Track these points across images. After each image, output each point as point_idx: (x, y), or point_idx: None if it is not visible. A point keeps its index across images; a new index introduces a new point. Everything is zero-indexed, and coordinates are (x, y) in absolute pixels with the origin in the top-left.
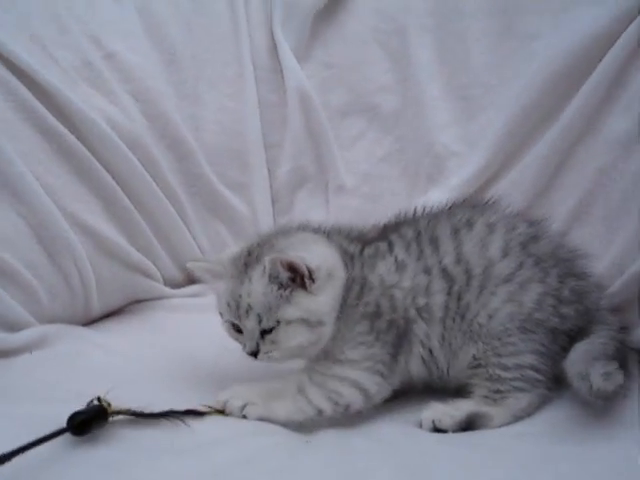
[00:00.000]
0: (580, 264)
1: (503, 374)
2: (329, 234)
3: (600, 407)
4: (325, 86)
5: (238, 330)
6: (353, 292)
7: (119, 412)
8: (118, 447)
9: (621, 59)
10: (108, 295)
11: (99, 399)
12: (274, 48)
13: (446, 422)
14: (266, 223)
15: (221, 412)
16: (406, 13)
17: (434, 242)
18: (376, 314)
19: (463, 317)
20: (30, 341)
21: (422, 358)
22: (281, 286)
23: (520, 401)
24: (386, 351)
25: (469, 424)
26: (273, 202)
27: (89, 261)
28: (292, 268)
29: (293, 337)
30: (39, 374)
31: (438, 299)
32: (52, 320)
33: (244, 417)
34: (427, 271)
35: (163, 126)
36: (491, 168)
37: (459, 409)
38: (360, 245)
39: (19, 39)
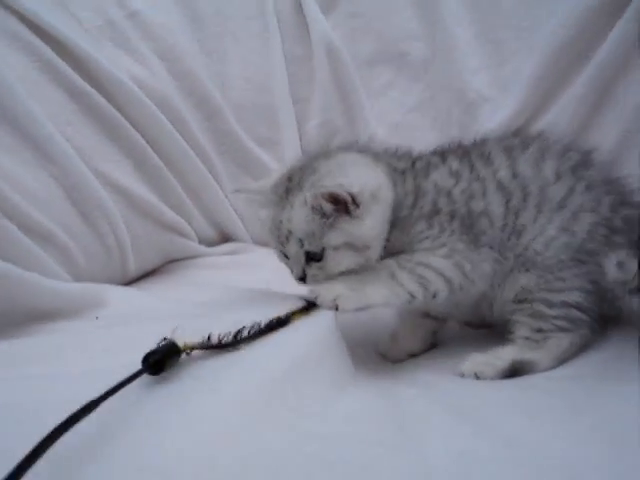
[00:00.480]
0: (631, 192)
1: (548, 311)
2: (377, 154)
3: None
4: (351, 36)
5: (286, 255)
6: (407, 202)
7: (192, 347)
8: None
9: None
10: (144, 254)
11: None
12: (298, 0)
13: (489, 372)
14: None
15: (306, 311)
16: None
17: (485, 157)
18: (434, 211)
19: (520, 237)
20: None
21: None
22: (324, 215)
23: (562, 341)
24: (457, 238)
25: (513, 372)
26: None
27: (123, 220)
28: (334, 198)
29: (340, 262)
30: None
31: (496, 208)
32: (89, 280)
33: (336, 309)
34: (482, 181)
35: (190, 84)
36: (526, 112)
37: (501, 358)
38: (411, 161)
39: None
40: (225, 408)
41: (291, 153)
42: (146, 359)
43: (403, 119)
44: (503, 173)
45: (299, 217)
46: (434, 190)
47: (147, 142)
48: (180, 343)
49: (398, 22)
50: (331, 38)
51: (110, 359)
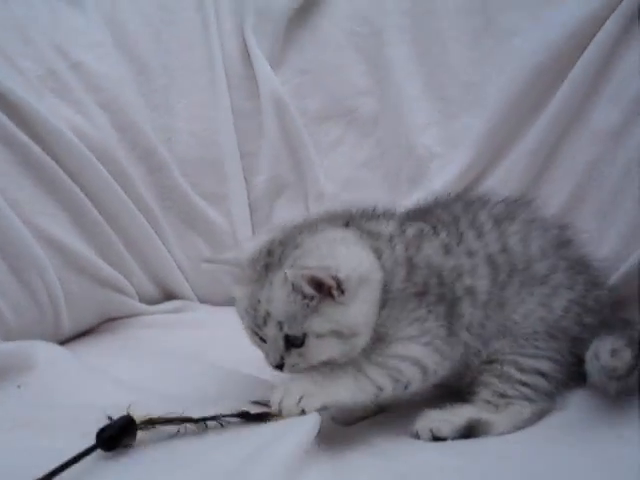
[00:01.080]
0: (600, 273)
1: (517, 375)
2: (357, 222)
3: (611, 398)
4: (301, 92)
5: (262, 338)
6: (398, 275)
7: (150, 422)
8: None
9: (604, 50)
10: (79, 312)
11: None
12: (247, 55)
13: (445, 429)
14: (244, 234)
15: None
16: (382, 14)
17: (476, 228)
18: (424, 291)
19: (502, 308)
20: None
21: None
22: (306, 297)
23: (524, 410)
24: (440, 324)
25: (469, 431)
26: (251, 212)
27: (57, 276)
28: (317, 282)
29: (324, 351)
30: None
31: (483, 283)
32: (19, 338)
33: (303, 412)
34: (471, 255)
35: (134, 137)
36: (476, 167)
37: (458, 415)
38: (396, 223)
39: None
40: None
41: (238, 208)
42: (100, 434)
43: (353, 175)
44: (493, 248)
45: (279, 297)
46: (426, 268)
47: (86, 195)
48: (139, 416)
49: (347, 78)
50: (280, 93)
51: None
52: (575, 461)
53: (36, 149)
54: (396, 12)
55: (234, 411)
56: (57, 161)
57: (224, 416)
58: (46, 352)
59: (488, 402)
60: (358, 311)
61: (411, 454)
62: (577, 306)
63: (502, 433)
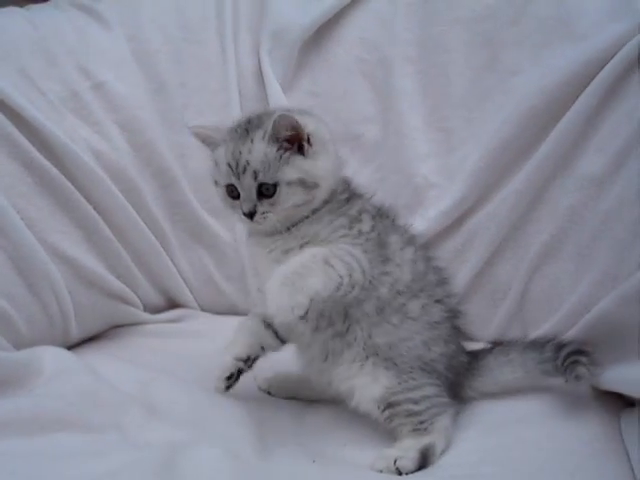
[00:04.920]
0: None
1: (416, 408)
2: None
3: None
4: None
5: (234, 197)
6: (340, 197)
7: None
8: None
9: (596, 99)
10: (87, 322)
11: None
12: (260, 76)
13: (408, 465)
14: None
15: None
16: (390, 44)
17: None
18: (357, 219)
19: (402, 321)
20: None
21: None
22: (280, 148)
23: (444, 421)
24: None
25: (424, 459)
26: None
27: (68, 290)
28: (294, 128)
29: (291, 197)
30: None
31: (385, 284)
32: (30, 346)
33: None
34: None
35: (148, 154)
36: (468, 201)
37: (409, 449)
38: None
39: (6, 73)
40: None
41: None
42: None
43: None
44: (411, 257)
45: (258, 149)
46: (360, 209)
47: (98, 213)
48: None
49: (354, 104)
50: None
51: None
52: None
53: (54, 171)
54: (404, 42)
55: None
56: (73, 182)
57: None
58: (54, 357)
59: (415, 430)
60: (321, 165)
61: None
62: (446, 360)
63: (443, 450)
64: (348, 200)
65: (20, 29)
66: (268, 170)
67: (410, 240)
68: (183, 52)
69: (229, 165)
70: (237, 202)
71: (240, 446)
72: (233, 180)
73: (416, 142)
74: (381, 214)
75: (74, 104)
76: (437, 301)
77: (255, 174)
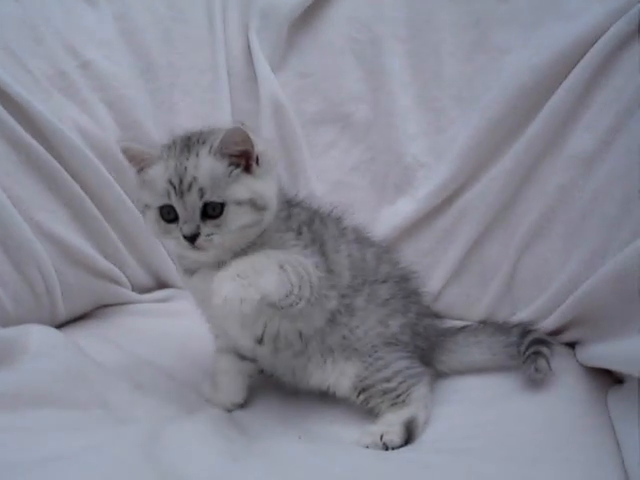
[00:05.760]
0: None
1: (390, 385)
2: None
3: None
4: (299, 95)
5: (169, 220)
6: (280, 214)
7: None
8: None
9: (586, 77)
10: (74, 301)
11: None
12: (249, 56)
13: (395, 439)
14: None
15: None
16: (381, 23)
17: (342, 234)
18: (299, 231)
19: (351, 318)
20: None
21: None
22: (231, 164)
23: (421, 389)
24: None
25: (409, 433)
26: None
27: (55, 269)
28: (245, 143)
29: (240, 218)
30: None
31: (332, 299)
32: (17, 324)
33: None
34: (338, 250)
35: (135, 133)
36: (458, 180)
37: (393, 424)
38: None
39: None
40: None
41: None
42: None
43: (343, 178)
44: (355, 253)
45: (205, 164)
46: (300, 222)
47: (86, 192)
48: None
49: (345, 84)
50: (279, 95)
51: None
52: None
53: (40, 149)
54: (394, 21)
55: None
56: (59, 160)
57: None
58: (41, 335)
59: (394, 404)
60: (269, 186)
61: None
62: (409, 330)
63: (425, 420)
64: (289, 216)
65: (6, 7)
66: (217, 188)
67: (341, 233)
68: (171, 31)
69: (170, 182)
70: (173, 226)
71: (225, 423)
72: (172, 200)
73: (406, 122)
74: (313, 221)
75: (61, 83)
76: (383, 281)
77: (202, 192)
